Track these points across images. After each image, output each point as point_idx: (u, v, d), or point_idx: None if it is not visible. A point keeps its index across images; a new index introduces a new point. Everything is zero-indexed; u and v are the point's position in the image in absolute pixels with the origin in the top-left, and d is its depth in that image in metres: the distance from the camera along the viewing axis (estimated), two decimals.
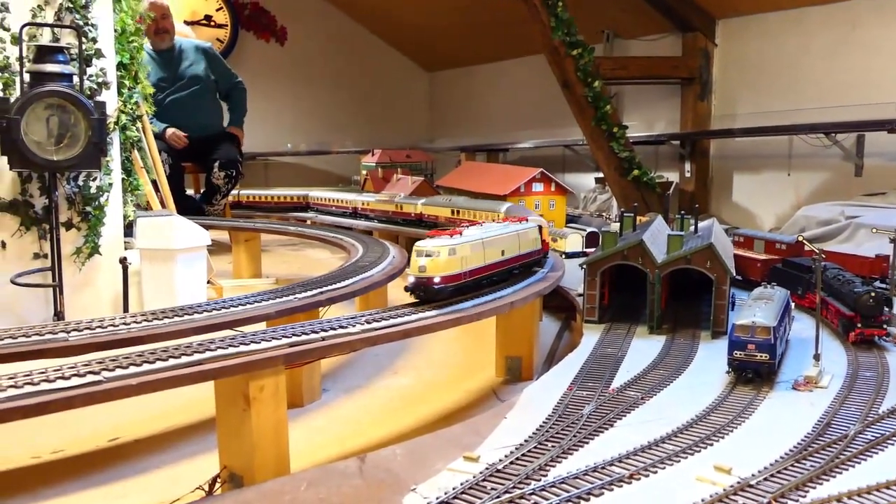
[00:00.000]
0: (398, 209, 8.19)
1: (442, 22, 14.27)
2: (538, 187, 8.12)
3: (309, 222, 9.70)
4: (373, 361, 5.08)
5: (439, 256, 3.78)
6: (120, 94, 5.28)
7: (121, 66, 5.33)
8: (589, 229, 7.55)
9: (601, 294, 4.89)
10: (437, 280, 3.79)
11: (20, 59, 4.54)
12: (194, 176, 10.52)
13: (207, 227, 5.38)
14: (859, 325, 4.24)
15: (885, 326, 4.25)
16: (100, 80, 4.99)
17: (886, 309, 4.26)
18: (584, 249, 7.18)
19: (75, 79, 4.69)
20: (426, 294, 3.84)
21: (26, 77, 4.55)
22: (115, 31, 5.20)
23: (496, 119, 14.91)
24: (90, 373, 2.62)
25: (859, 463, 2.74)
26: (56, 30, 4.79)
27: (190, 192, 10.29)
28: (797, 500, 2.41)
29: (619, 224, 5.85)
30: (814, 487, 2.53)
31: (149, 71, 5.99)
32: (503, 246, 4.32)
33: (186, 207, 7.91)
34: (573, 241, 7.33)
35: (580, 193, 11.95)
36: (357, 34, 16.32)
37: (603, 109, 9.39)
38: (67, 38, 4.83)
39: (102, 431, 3.86)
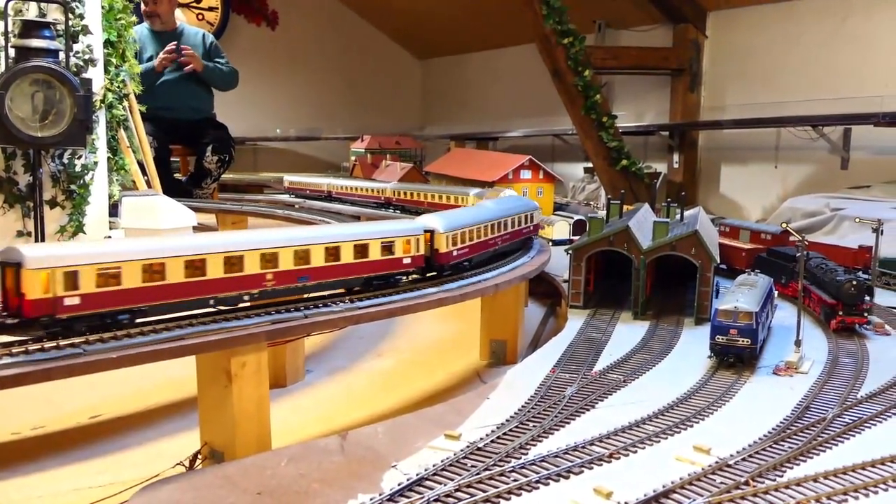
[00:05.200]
0: None
1: (435, 10, 14.26)
2: (526, 174, 8.13)
3: (297, 207, 9.65)
4: (357, 344, 5.08)
5: None
6: (107, 71, 5.23)
7: (108, 43, 5.28)
8: (576, 217, 7.56)
9: (586, 280, 4.90)
10: None
11: (5, 33, 4.49)
12: (182, 159, 10.47)
13: (195, 210, 5.36)
14: (841, 313, 4.27)
15: (865, 315, 4.29)
16: (86, 56, 4.94)
17: (867, 297, 4.29)
18: (571, 237, 7.19)
19: (61, 55, 4.65)
20: None
21: (11, 52, 4.50)
22: (103, 7, 5.15)
23: (487, 108, 14.90)
24: (70, 345, 2.61)
25: (836, 445, 2.77)
26: (42, 5, 4.73)
27: (177, 175, 10.25)
28: (774, 480, 2.43)
29: (605, 211, 5.85)
30: (791, 468, 2.55)
31: (136, 51, 5.93)
32: None
33: (174, 190, 7.86)
34: (560, 228, 7.35)
35: (569, 183, 11.97)
36: (350, 20, 16.27)
37: (593, 99, 9.39)
38: (54, 14, 4.77)
39: (84, 409, 3.85)
